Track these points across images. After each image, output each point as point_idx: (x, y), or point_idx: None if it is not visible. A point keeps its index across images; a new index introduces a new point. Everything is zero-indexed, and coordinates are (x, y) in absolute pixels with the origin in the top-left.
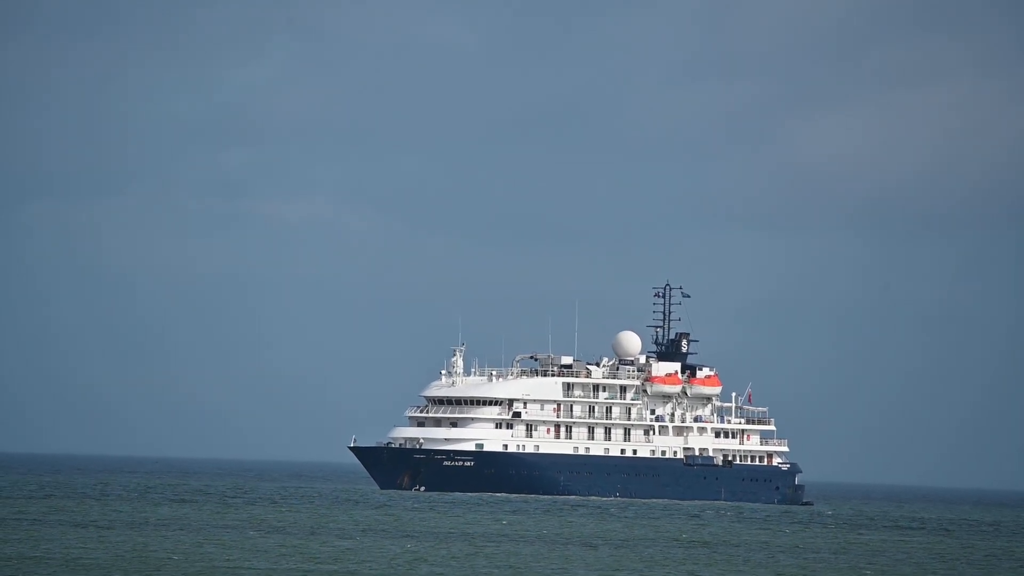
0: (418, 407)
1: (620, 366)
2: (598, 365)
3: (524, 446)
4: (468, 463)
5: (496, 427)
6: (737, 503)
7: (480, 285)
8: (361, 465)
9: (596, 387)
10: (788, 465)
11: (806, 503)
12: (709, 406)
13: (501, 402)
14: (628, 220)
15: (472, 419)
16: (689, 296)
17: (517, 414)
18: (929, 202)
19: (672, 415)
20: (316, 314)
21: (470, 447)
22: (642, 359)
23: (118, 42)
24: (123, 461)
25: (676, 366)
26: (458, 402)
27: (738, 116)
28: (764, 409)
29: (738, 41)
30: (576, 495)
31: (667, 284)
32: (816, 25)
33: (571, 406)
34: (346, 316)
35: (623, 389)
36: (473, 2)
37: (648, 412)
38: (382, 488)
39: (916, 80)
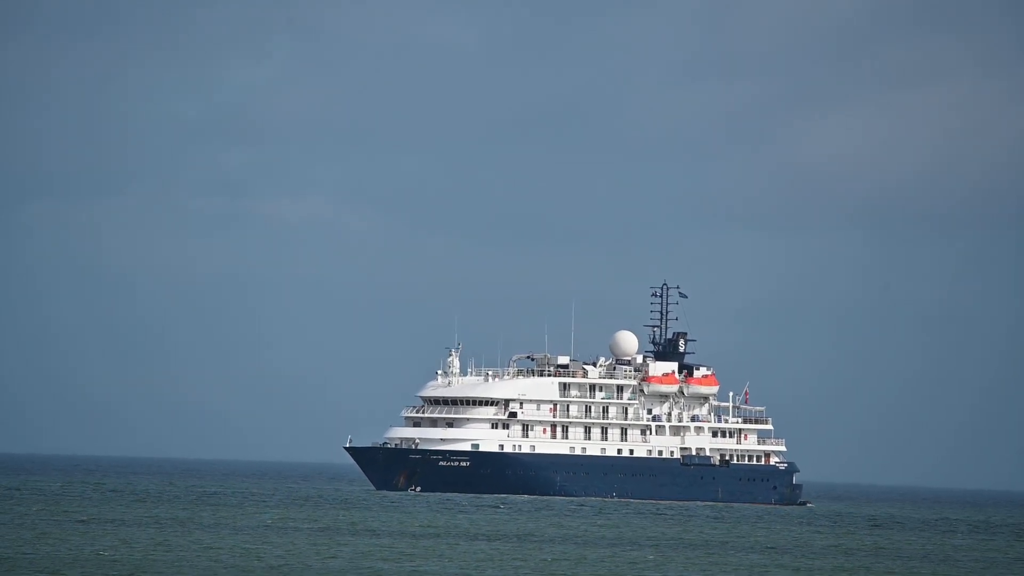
0: (414, 407)
1: (617, 366)
2: (595, 365)
3: (520, 446)
4: (464, 463)
5: (492, 427)
6: (734, 503)
7: (479, 285)
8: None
9: (593, 387)
10: (785, 464)
11: (803, 503)
12: (706, 406)
13: (497, 402)
14: (628, 220)
15: (468, 419)
16: (686, 296)
17: (513, 414)
18: (929, 202)
19: (669, 415)
20: (316, 314)
21: (466, 447)
22: (639, 359)
23: (118, 42)
24: (123, 461)
25: (673, 366)
26: (454, 402)
27: (738, 116)
28: (761, 408)
29: (738, 41)
30: (573, 495)
31: (664, 284)
32: (816, 25)
33: (567, 406)
34: (345, 316)
35: (620, 389)
36: (473, 2)
37: (645, 412)
38: (378, 489)
39: (916, 80)
